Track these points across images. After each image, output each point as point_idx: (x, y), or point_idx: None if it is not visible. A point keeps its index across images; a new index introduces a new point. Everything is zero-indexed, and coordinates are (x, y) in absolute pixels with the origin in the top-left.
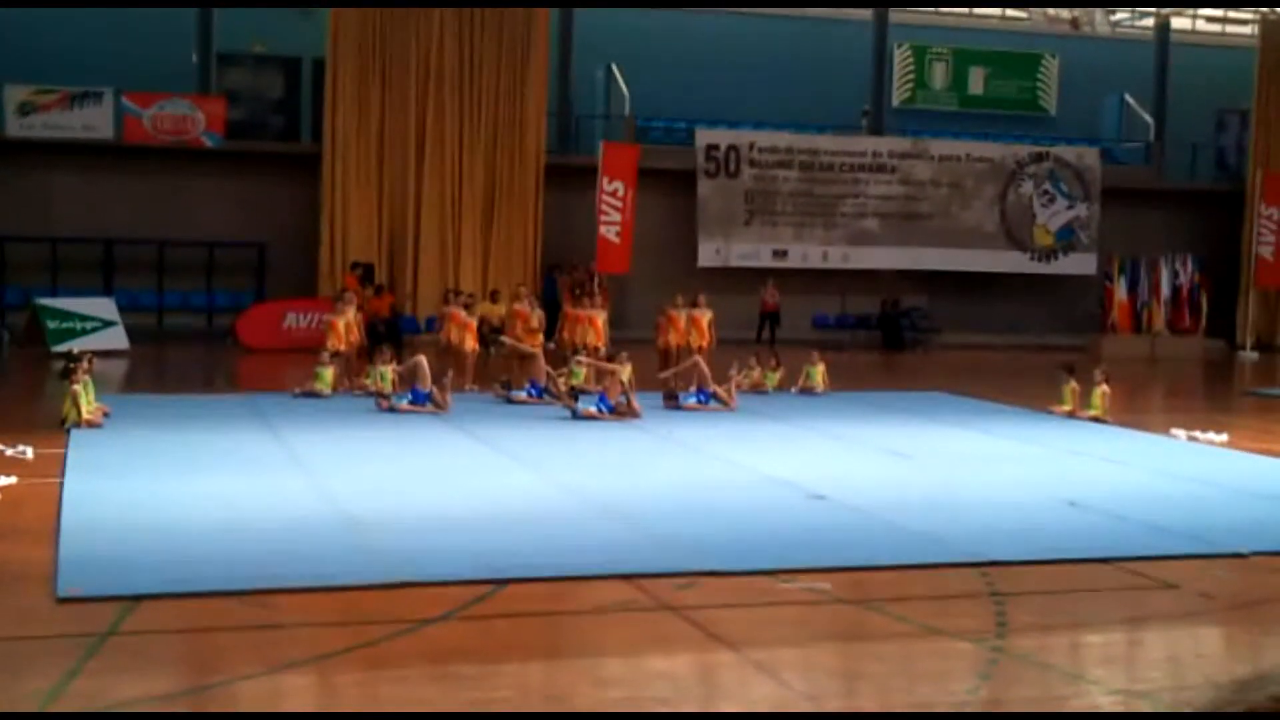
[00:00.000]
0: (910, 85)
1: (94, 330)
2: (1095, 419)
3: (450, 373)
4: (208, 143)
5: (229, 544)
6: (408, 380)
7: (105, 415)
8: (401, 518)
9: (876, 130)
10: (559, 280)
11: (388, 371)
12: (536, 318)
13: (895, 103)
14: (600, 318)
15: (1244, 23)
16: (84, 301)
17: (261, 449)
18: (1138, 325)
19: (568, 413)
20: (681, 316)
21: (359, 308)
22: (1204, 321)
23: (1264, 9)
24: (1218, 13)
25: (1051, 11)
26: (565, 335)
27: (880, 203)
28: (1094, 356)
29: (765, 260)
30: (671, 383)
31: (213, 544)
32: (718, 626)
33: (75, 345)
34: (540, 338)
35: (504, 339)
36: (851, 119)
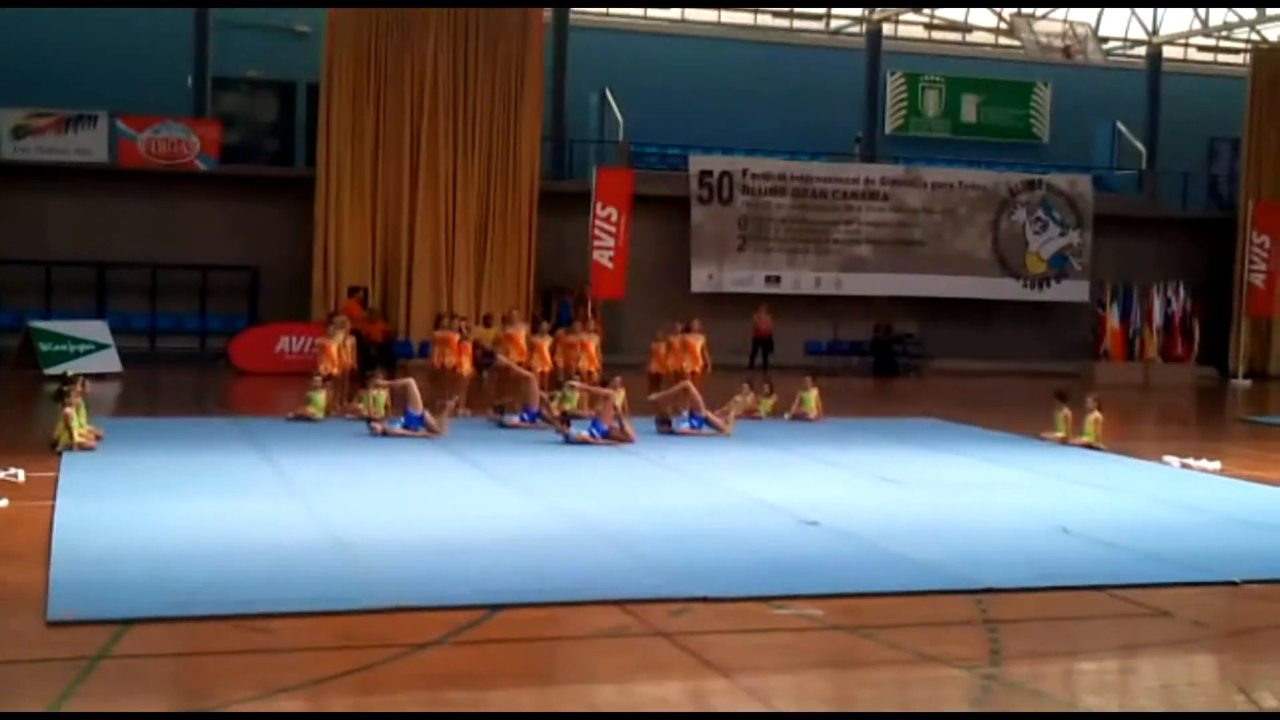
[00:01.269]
0: (903, 112)
1: (87, 353)
2: (1088, 446)
3: (456, 398)
4: (202, 166)
5: (222, 567)
6: (399, 401)
7: (98, 438)
8: (395, 542)
9: (869, 157)
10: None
11: (381, 396)
12: (549, 342)
13: (888, 130)
14: (593, 342)
15: (1235, 52)
16: (77, 324)
17: (254, 473)
18: (1130, 352)
19: (561, 437)
20: (676, 342)
21: (351, 331)
22: (1196, 349)
23: (1254, 38)
24: (1209, 41)
25: (1044, 39)
26: (558, 360)
27: (873, 229)
28: (1087, 383)
29: (758, 286)
30: (663, 406)
31: (205, 567)
32: (710, 653)
33: (68, 368)
34: (550, 362)
35: (501, 358)
36: (845, 146)
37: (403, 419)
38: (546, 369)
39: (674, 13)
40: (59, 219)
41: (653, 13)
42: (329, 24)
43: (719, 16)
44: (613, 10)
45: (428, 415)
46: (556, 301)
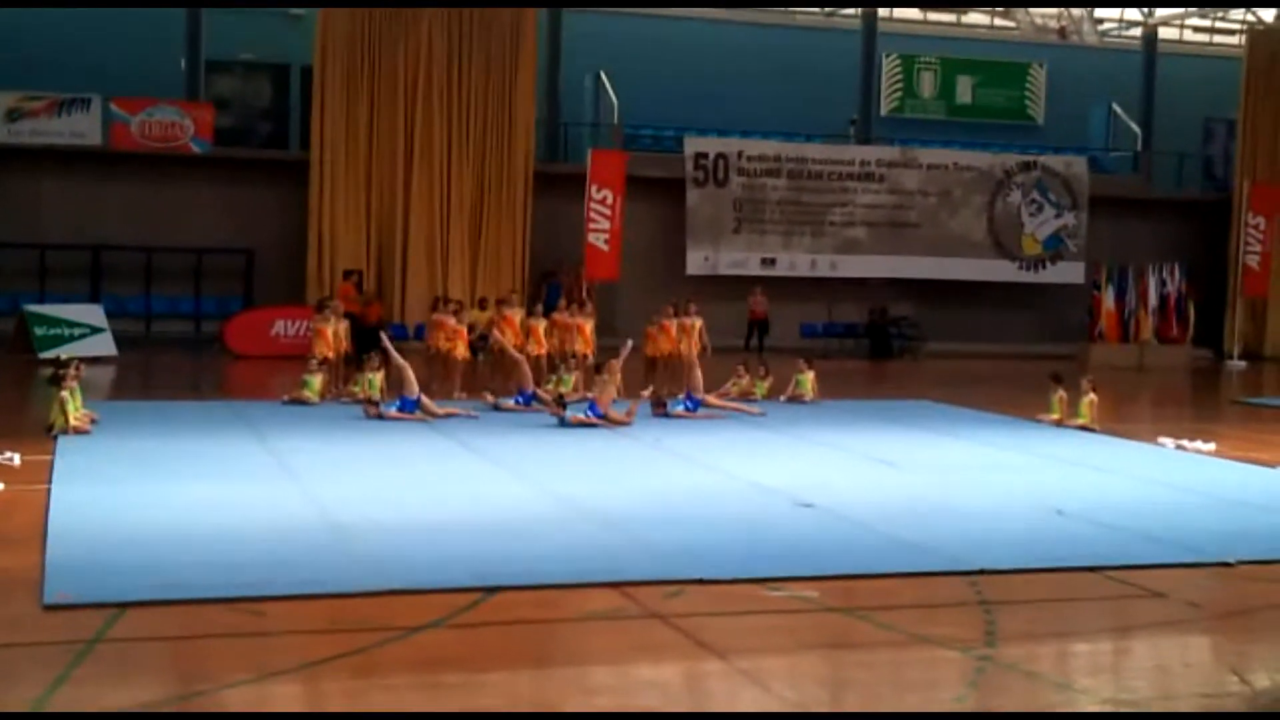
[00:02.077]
0: (898, 94)
1: (82, 337)
2: (1083, 427)
3: (491, 389)
4: (196, 149)
5: (217, 551)
6: (395, 386)
7: (93, 422)
8: (390, 525)
9: (865, 139)
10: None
11: (376, 379)
12: (544, 325)
13: (883, 112)
14: (588, 325)
15: (1231, 32)
16: (72, 308)
17: (249, 456)
18: (1125, 334)
19: (556, 420)
20: (672, 325)
21: (345, 314)
22: (1191, 330)
23: (1250, 19)
24: (1205, 22)
25: (1039, 21)
26: (553, 342)
27: (868, 211)
28: (1081, 365)
29: (753, 268)
30: (658, 383)
31: (200, 551)
32: (705, 634)
33: (63, 352)
34: (545, 344)
35: (495, 335)
36: (840, 128)
37: (398, 402)
38: (542, 351)
39: None
40: (53, 202)
41: None
42: (322, 8)
43: None
44: None
45: (423, 398)
46: (546, 284)
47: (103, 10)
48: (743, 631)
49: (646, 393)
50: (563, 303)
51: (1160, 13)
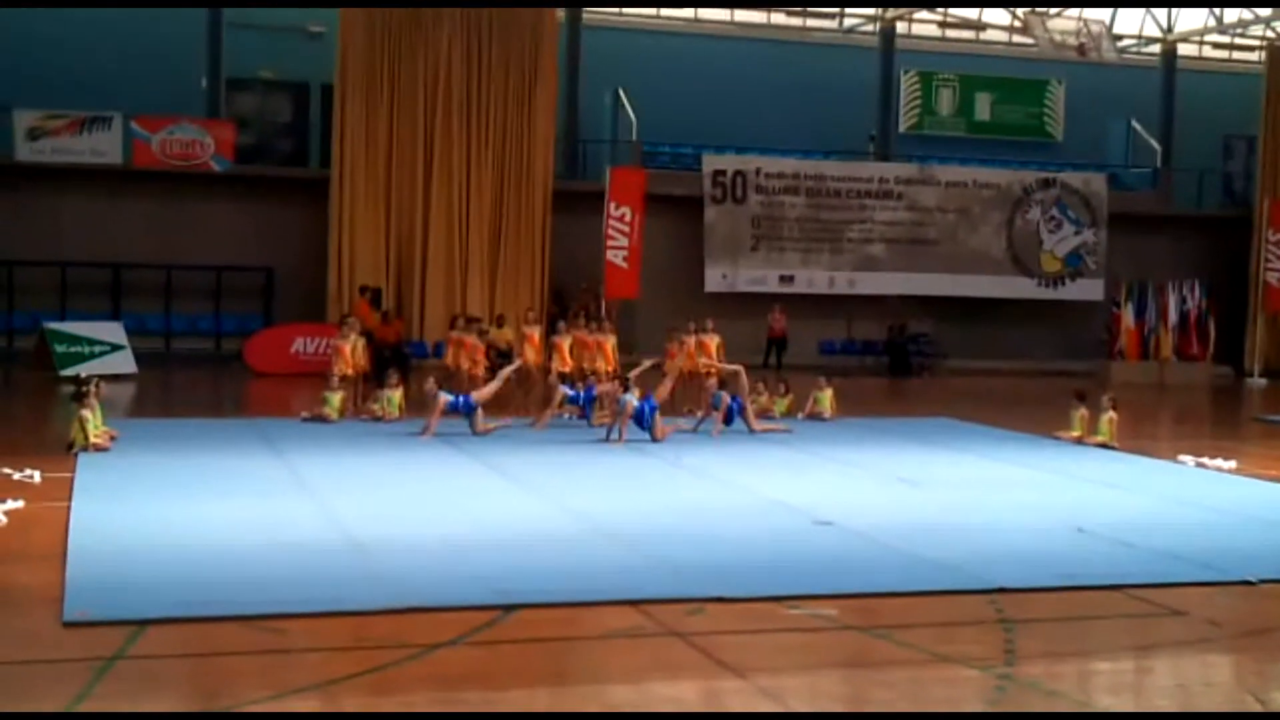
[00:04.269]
0: (917, 111)
1: (102, 354)
2: (1103, 445)
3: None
4: (216, 167)
5: (236, 568)
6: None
7: (113, 439)
8: (409, 542)
9: (883, 156)
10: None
11: (396, 396)
12: (569, 342)
13: (902, 129)
14: (610, 342)
15: (1251, 49)
16: (92, 325)
17: (269, 473)
18: (1145, 351)
19: (602, 431)
20: (691, 342)
21: (361, 332)
22: (1211, 348)
23: (1270, 35)
24: (1225, 38)
25: (1058, 37)
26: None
27: (887, 228)
28: (1102, 383)
29: (772, 285)
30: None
31: (220, 568)
32: (724, 653)
33: (83, 369)
34: (569, 360)
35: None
36: (858, 145)
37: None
38: (567, 368)
39: (687, 12)
40: (74, 220)
41: (665, 12)
42: (342, 24)
43: (732, 15)
44: (625, 10)
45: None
46: (585, 303)
47: (124, 29)
48: (762, 650)
49: (687, 411)
50: (579, 320)
51: (1180, 28)
